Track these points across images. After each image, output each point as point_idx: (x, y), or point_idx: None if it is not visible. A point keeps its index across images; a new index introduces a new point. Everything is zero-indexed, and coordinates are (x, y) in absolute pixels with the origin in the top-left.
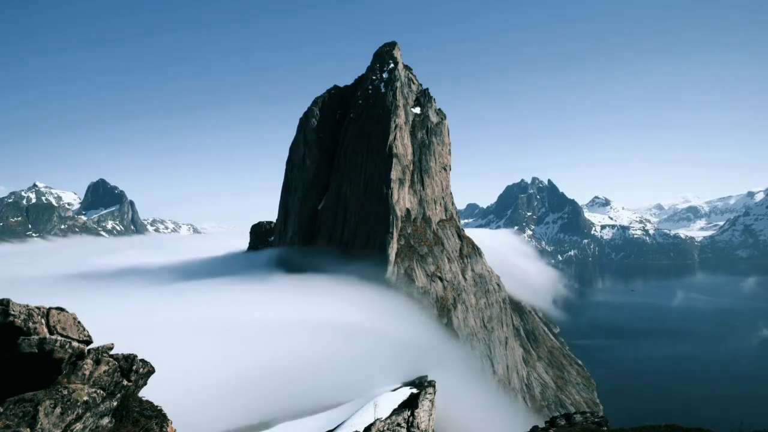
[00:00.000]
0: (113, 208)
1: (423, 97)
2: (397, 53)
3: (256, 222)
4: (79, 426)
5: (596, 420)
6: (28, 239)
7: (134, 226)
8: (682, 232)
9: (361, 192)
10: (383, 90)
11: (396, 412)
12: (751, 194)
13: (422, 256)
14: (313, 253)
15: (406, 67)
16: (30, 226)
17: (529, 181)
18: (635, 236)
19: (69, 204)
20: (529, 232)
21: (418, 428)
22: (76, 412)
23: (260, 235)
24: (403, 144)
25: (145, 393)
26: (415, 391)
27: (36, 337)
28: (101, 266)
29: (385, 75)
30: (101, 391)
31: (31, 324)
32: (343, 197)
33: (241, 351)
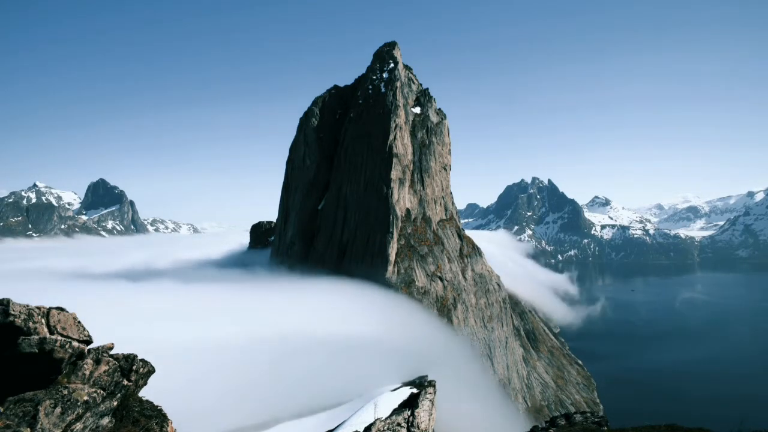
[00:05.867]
0: (113, 208)
1: (423, 97)
2: (397, 53)
3: (256, 222)
4: (79, 426)
5: (596, 420)
6: (28, 239)
7: (134, 226)
8: (682, 232)
9: (361, 192)
10: (383, 90)
11: (396, 412)
12: (751, 194)
13: (422, 256)
14: (313, 253)
15: (406, 67)
16: (30, 226)
17: (529, 180)
18: (635, 236)
19: (69, 204)
20: (529, 232)
21: (419, 428)
22: (76, 412)
23: (260, 234)
24: (403, 144)
25: (145, 393)
26: (415, 391)
27: (36, 336)
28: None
29: (385, 75)
30: (101, 391)
31: (31, 324)
32: (343, 197)
33: (240, 351)
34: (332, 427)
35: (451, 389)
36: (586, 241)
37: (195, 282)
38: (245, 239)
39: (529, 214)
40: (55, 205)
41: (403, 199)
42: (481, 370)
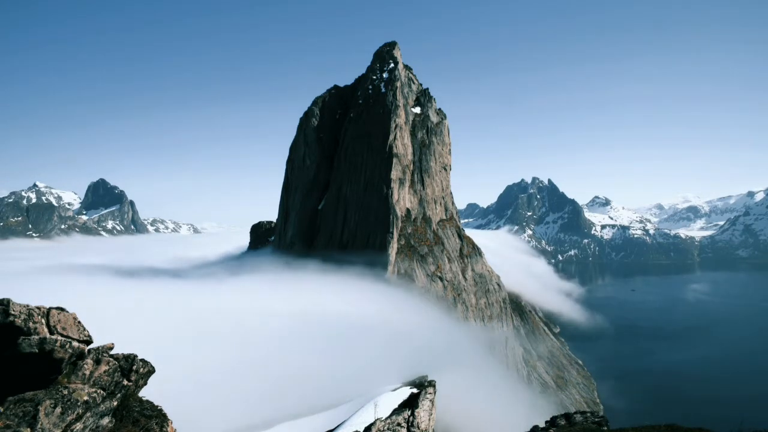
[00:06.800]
0: (113, 208)
1: (423, 97)
2: (397, 53)
3: (256, 222)
4: (79, 426)
5: (596, 420)
6: (28, 239)
7: (134, 225)
8: (682, 232)
9: (361, 192)
10: (383, 90)
11: (396, 412)
12: (751, 194)
13: (422, 256)
14: (313, 252)
15: (406, 67)
16: (30, 226)
17: (529, 180)
18: (635, 236)
19: (69, 204)
20: (529, 232)
21: (419, 428)
22: (76, 412)
23: (260, 234)
24: (403, 144)
25: (145, 393)
26: (415, 391)
27: (36, 337)
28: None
29: (385, 75)
30: (101, 391)
31: (31, 324)
32: (343, 197)
33: (241, 351)
34: (332, 427)
35: (456, 385)
36: (586, 241)
37: (194, 281)
38: (245, 239)
39: (529, 214)
40: (55, 205)
41: (403, 199)
42: (488, 363)
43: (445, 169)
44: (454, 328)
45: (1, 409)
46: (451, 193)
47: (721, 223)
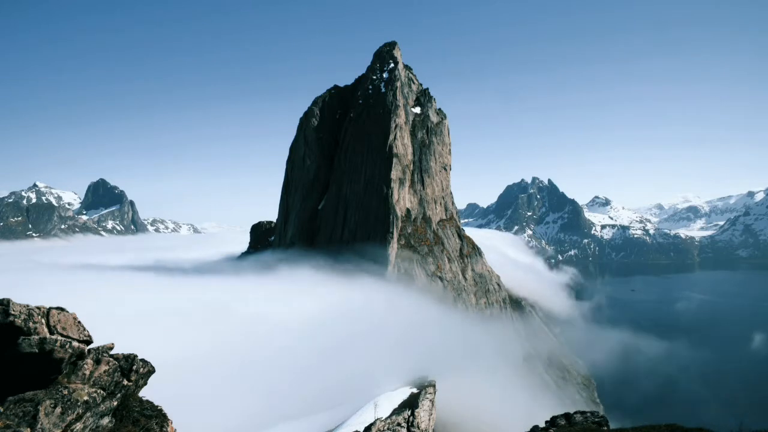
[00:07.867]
0: (113, 208)
1: (423, 97)
2: (397, 53)
3: (256, 222)
4: (79, 426)
5: (596, 420)
6: (28, 239)
7: (134, 225)
8: (683, 232)
9: (361, 192)
10: (383, 90)
11: (396, 411)
12: (751, 194)
13: (422, 256)
14: (313, 252)
15: (407, 67)
16: (30, 226)
17: (529, 180)
18: (635, 236)
19: (69, 204)
20: (529, 232)
21: (418, 428)
22: (76, 412)
23: (260, 234)
24: (403, 144)
25: (145, 393)
26: (415, 391)
27: (36, 336)
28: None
29: (385, 75)
30: (101, 391)
31: (31, 324)
32: (344, 197)
33: (241, 351)
34: (332, 427)
35: (456, 385)
36: (586, 241)
37: (194, 281)
38: (245, 239)
39: (529, 214)
40: (55, 205)
41: (403, 199)
42: (488, 364)
43: (445, 169)
44: (454, 328)
45: (1, 409)
46: (451, 193)
47: (721, 223)
